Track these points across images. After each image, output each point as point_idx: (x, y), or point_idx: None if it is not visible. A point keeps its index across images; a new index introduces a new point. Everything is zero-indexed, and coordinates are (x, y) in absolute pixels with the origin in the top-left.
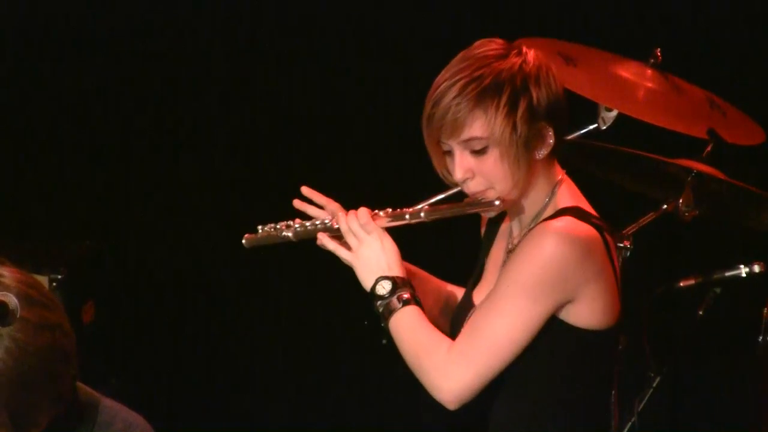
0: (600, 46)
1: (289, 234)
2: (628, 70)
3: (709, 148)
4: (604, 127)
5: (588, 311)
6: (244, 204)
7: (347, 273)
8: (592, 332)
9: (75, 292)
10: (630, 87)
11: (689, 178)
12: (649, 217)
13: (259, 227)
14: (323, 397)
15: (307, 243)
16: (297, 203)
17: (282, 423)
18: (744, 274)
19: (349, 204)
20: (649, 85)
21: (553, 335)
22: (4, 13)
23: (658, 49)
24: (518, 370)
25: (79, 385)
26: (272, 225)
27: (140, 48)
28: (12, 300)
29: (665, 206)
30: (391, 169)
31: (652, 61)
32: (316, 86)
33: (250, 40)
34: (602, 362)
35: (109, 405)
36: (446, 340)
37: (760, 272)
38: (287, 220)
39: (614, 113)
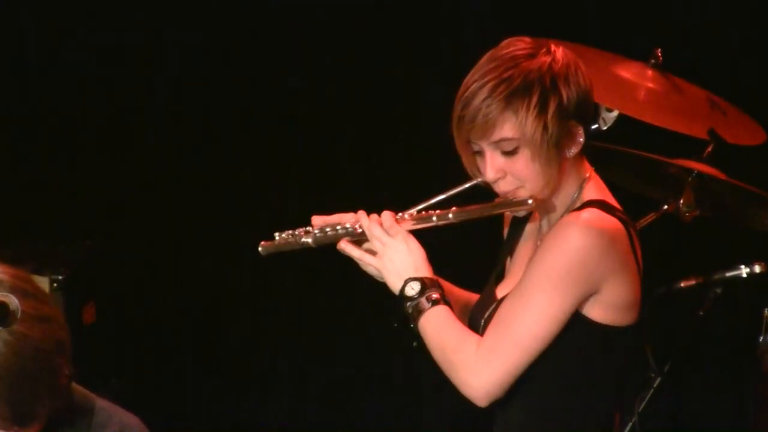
0: (601, 47)
1: (309, 240)
2: (628, 71)
3: (709, 149)
4: (605, 128)
5: (610, 305)
6: (247, 204)
7: (352, 274)
8: (612, 328)
9: (76, 292)
10: (631, 87)
11: (690, 179)
12: (649, 218)
13: (276, 234)
14: (325, 398)
15: (324, 248)
16: (315, 218)
17: (283, 423)
18: (744, 275)
19: (369, 209)
20: (650, 85)
21: (574, 330)
22: (2, 11)
23: (659, 50)
24: (536, 366)
25: (75, 386)
26: (290, 232)
27: (138, 46)
28: (13, 301)
29: (666, 206)
30: (407, 172)
31: (653, 61)
32: (329, 86)
33: (259, 38)
34: (621, 360)
35: (104, 406)
36: (475, 337)
37: (761, 272)
38: (305, 227)
39: (615, 113)
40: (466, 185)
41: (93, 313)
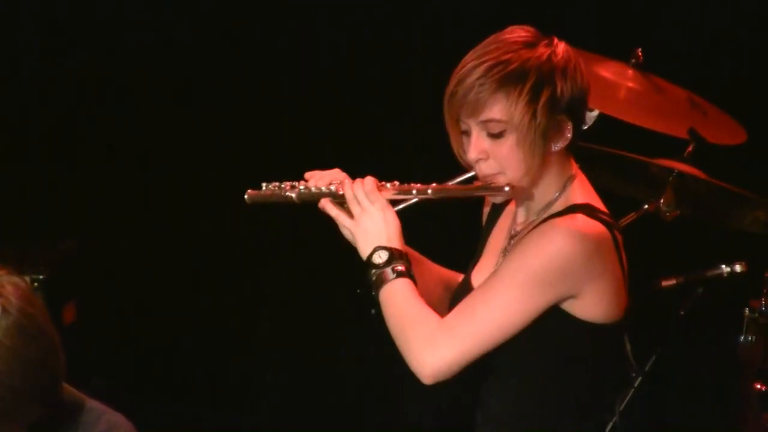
0: (581, 46)
1: (293, 195)
2: (609, 70)
3: (690, 148)
4: (585, 127)
5: (593, 305)
6: (228, 203)
7: (339, 275)
8: (596, 324)
9: (56, 292)
10: (611, 87)
11: (671, 178)
12: (630, 217)
13: (264, 184)
14: (312, 399)
15: (307, 205)
16: (307, 174)
17: (269, 422)
18: (725, 274)
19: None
20: (630, 84)
21: (555, 325)
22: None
23: (639, 49)
24: (517, 359)
25: (64, 385)
26: (277, 184)
27: (125, 43)
28: None
29: (647, 206)
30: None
31: (633, 61)
32: (328, 85)
33: (243, 29)
34: (606, 356)
35: (94, 406)
36: (435, 315)
37: (742, 272)
38: (293, 181)
39: (595, 113)
40: (459, 178)
41: (73, 313)
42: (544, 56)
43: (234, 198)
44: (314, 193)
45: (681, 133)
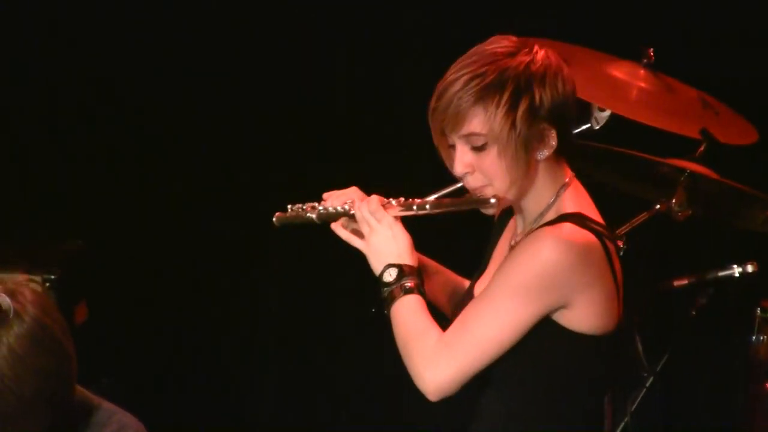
0: (593, 46)
1: (313, 216)
2: (620, 70)
3: (702, 148)
4: (597, 127)
5: (584, 316)
6: (236, 204)
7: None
8: (588, 336)
9: (68, 292)
10: (623, 87)
11: (682, 178)
12: (642, 217)
13: (289, 206)
14: (317, 397)
15: (327, 225)
16: (326, 194)
17: (274, 422)
18: (737, 274)
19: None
20: (642, 84)
21: (547, 337)
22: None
23: (651, 49)
24: (511, 371)
25: (77, 387)
26: (300, 205)
27: (125, 43)
28: (5, 300)
29: (658, 206)
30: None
31: (645, 60)
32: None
33: (243, 29)
34: (598, 366)
35: (105, 407)
36: (437, 330)
37: (753, 272)
38: (314, 202)
39: (607, 113)
40: (453, 187)
41: (85, 313)
42: (522, 65)
43: (234, 198)
44: (331, 213)
45: (692, 133)
